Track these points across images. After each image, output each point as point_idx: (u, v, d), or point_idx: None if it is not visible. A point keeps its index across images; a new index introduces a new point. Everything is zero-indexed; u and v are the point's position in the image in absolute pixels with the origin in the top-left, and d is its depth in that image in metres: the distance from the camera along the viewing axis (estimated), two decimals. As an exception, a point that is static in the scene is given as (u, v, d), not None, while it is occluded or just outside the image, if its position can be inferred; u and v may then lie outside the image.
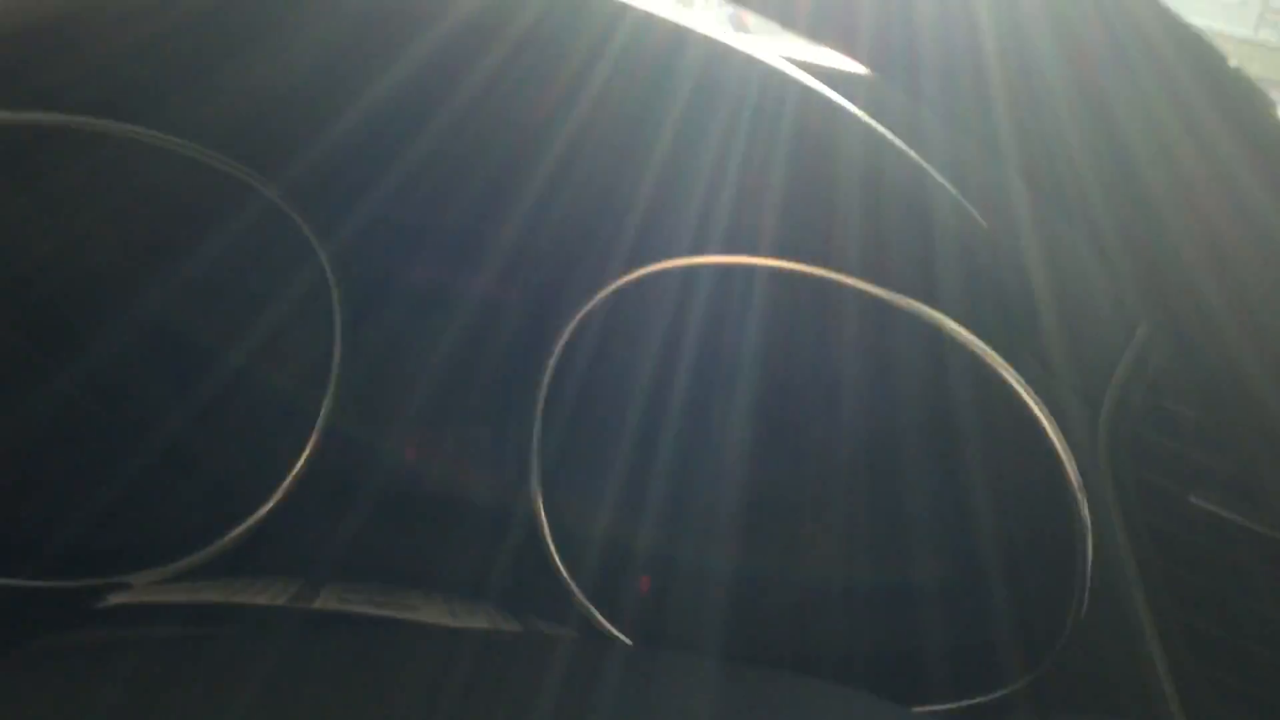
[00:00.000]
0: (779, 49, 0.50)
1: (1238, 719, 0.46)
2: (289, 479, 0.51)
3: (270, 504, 0.50)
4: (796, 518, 0.53)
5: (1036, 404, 0.50)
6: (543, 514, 0.53)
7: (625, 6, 0.42)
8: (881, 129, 0.48)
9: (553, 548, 0.53)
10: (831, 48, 0.28)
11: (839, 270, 0.51)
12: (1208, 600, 0.49)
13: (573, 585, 0.53)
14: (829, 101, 0.45)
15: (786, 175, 0.50)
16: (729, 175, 0.48)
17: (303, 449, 0.51)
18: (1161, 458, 0.51)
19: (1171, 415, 0.52)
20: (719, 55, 0.44)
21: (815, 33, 0.28)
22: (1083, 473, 0.49)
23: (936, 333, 0.51)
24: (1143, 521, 0.51)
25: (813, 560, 0.53)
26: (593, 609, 0.53)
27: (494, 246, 0.53)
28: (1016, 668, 0.47)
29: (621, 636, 0.53)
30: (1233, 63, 0.26)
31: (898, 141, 0.49)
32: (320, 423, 0.51)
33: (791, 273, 0.51)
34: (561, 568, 0.53)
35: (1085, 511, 0.48)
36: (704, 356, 0.52)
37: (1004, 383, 0.50)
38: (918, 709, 0.47)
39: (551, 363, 0.52)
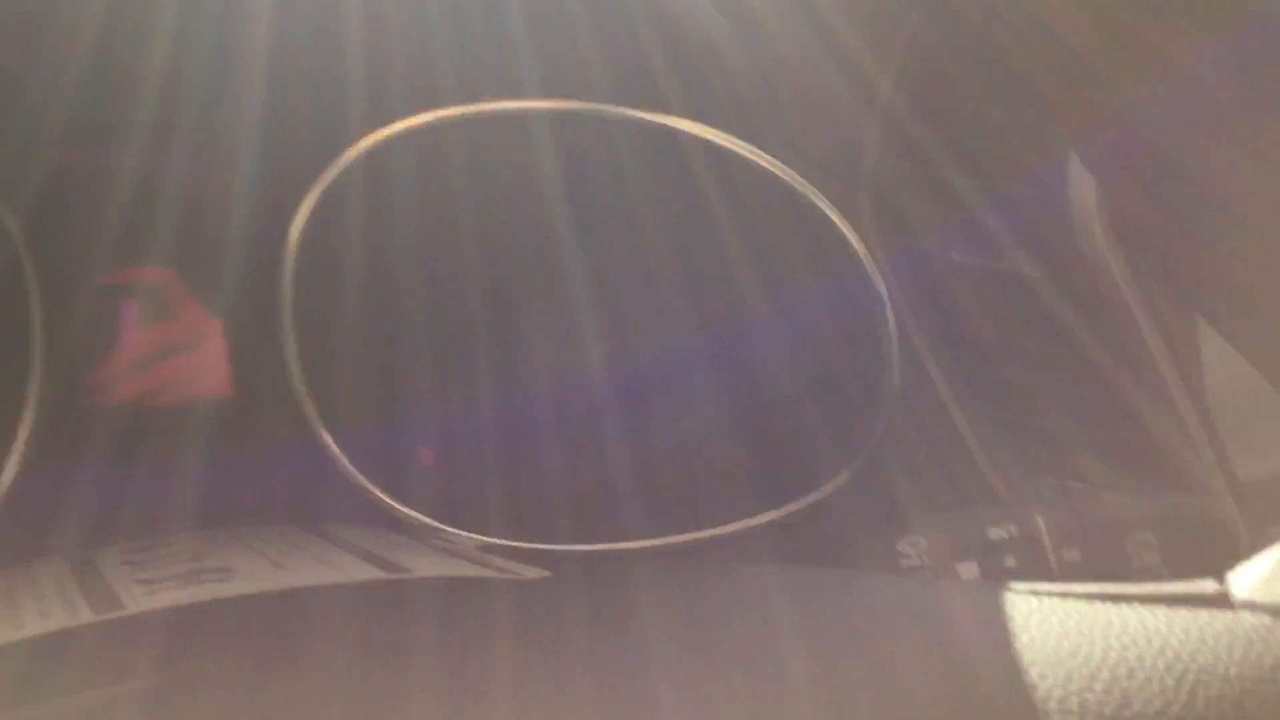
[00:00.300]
0: None
1: (1034, 453, 0.49)
2: (17, 446, 0.42)
3: (7, 481, 0.42)
4: (593, 355, 0.51)
5: (806, 188, 0.49)
6: (311, 405, 0.48)
7: None
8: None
9: (328, 439, 0.48)
10: None
11: (588, 99, 0.48)
12: (986, 350, 0.52)
13: (358, 476, 0.49)
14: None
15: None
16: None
17: (22, 411, 0.42)
18: (921, 219, 0.53)
19: (924, 175, 0.53)
20: None
21: None
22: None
23: (695, 141, 0.49)
24: (916, 286, 0.52)
25: (614, 398, 0.51)
26: (377, 491, 0.49)
27: (198, 132, 0.45)
28: (846, 454, 0.48)
29: (415, 514, 0.49)
30: None
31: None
32: (35, 374, 0.43)
33: (542, 112, 0.47)
34: (341, 457, 0.49)
35: (880, 283, 0.48)
36: (471, 212, 0.47)
37: (768, 172, 0.49)
38: (751, 521, 0.47)
39: (292, 246, 0.46)
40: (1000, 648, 0.27)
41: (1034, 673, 0.26)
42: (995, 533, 0.41)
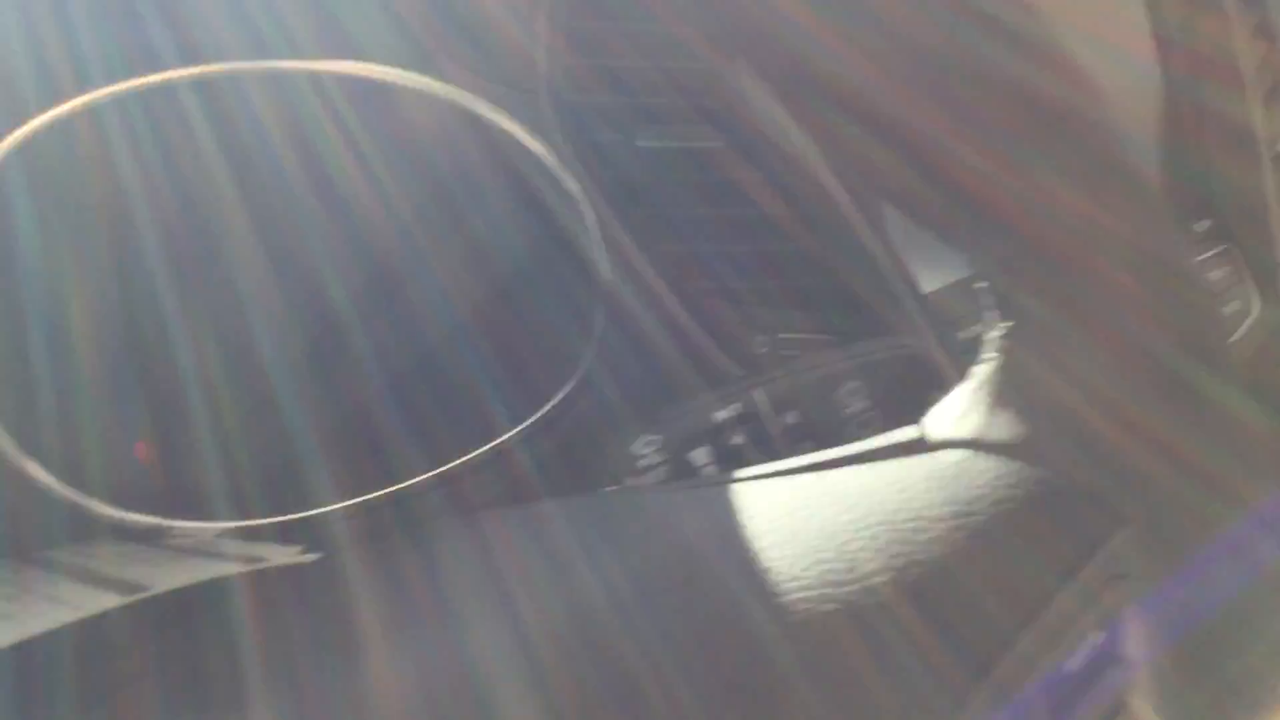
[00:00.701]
0: None
1: (748, 318, 0.51)
2: None
3: None
4: (293, 309, 0.49)
5: (483, 106, 0.48)
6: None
7: None
8: None
9: (22, 456, 0.45)
10: None
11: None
12: (679, 228, 0.53)
13: (67, 490, 0.46)
14: None
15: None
16: None
17: None
18: (601, 113, 0.53)
19: (597, 69, 0.53)
20: None
21: None
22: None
23: (364, 82, 0.47)
24: (610, 180, 0.52)
25: (323, 350, 0.49)
26: (92, 502, 0.46)
27: None
28: (569, 361, 0.48)
29: (139, 518, 0.47)
30: None
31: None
32: None
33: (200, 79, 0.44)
34: (43, 473, 0.46)
35: (570, 183, 0.48)
36: (128, 194, 0.44)
37: (448, 100, 0.48)
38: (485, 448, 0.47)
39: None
40: (731, 543, 0.28)
41: (765, 560, 0.28)
42: (720, 415, 0.43)
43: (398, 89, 0.49)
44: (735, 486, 0.31)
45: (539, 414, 0.47)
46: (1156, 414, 0.31)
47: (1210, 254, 0.52)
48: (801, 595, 0.27)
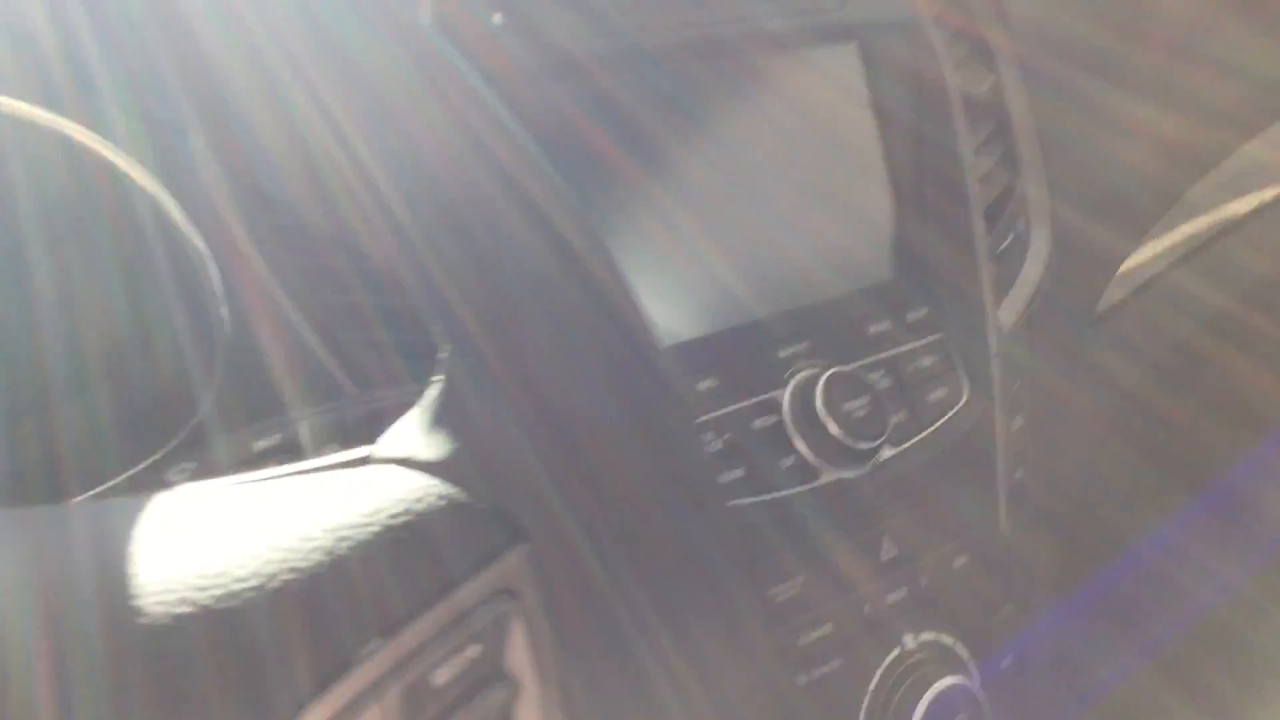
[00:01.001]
0: None
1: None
2: None
3: None
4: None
5: (120, 156, 0.49)
6: None
7: None
8: None
9: None
10: None
11: None
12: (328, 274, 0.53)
13: None
14: None
15: None
16: None
17: None
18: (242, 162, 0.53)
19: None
20: None
21: None
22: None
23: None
24: (267, 224, 0.53)
25: None
26: None
27: None
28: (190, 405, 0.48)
29: None
30: None
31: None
32: None
33: None
34: None
35: (199, 240, 0.48)
36: None
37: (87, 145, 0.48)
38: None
39: None
40: (126, 555, 0.28)
41: (148, 568, 0.28)
42: (260, 444, 0.43)
43: (39, 130, 0.49)
44: (170, 497, 0.31)
45: (145, 462, 0.47)
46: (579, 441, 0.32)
47: (923, 342, 0.52)
48: (159, 600, 0.27)
